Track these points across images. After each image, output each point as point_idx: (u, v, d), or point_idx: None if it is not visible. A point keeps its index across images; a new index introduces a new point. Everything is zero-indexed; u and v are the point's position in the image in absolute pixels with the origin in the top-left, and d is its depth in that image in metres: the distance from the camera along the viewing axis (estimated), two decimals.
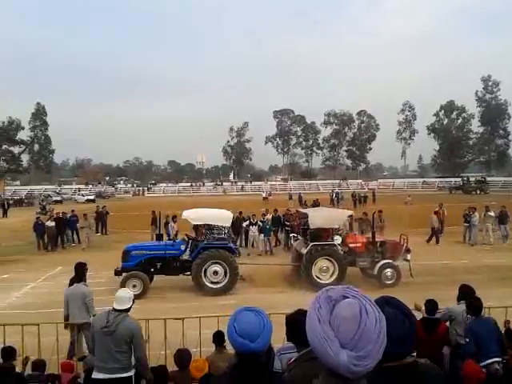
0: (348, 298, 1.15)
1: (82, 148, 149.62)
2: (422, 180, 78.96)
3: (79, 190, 66.56)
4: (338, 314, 1.12)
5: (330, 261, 11.43)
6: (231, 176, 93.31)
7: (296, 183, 77.93)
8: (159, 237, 13.59)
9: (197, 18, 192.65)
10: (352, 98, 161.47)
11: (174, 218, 17.96)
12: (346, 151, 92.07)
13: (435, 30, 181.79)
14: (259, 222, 17.65)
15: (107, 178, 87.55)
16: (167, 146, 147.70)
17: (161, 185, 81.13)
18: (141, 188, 75.24)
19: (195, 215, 12.11)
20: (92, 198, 54.85)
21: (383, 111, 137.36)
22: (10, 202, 42.46)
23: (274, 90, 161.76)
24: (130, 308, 4.57)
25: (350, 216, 13.46)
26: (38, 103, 79.53)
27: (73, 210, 21.14)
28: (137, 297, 5.73)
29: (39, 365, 4.83)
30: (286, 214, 18.92)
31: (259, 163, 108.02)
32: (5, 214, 35.57)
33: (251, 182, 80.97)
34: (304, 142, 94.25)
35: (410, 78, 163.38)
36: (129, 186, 78.57)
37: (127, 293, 4.76)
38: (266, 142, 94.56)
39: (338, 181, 76.51)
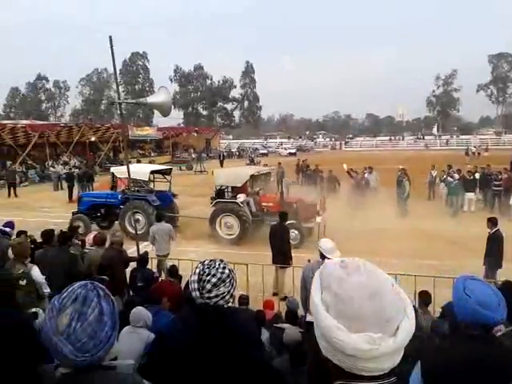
0: None
1: (286, 103, 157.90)
2: None
3: (282, 143, 71.12)
4: None
5: (234, 217, 12.07)
6: (434, 129, 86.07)
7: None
8: None
9: None
10: None
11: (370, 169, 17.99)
12: None
13: None
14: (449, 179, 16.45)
15: (307, 133, 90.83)
16: (366, 99, 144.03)
17: (358, 139, 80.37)
18: (338, 142, 75.99)
19: (119, 171, 13.82)
20: (293, 151, 58.00)
21: None
22: (224, 154, 48.04)
23: (488, 32, 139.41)
24: None
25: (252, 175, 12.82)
26: (247, 62, 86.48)
27: (279, 163, 22.99)
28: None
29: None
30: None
31: (468, 115, 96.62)
32: (221, 164, 40.68)
33: (458, 136, 73.37)
34: None
35: None
36: (327, 139, 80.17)
37: None
38: (478, 91, 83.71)
39: None
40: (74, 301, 1.24)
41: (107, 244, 7.02)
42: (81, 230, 12.02)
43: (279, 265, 7.98)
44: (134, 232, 11.87)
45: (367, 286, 0.90)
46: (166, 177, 14.82)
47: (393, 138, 77.15)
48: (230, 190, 12.91)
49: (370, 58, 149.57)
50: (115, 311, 1.30)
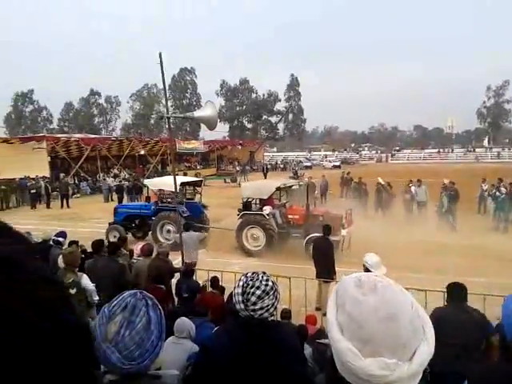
0: None
1: (330, 116, 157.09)
2: None
3: (326, 156, 70.64)
4: None
5: (259, 229, 12.15)
6: (485, 141, 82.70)
7: None
8: None
9: None
10: None
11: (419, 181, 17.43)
12: None
13: None
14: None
15: (352, 145, 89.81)
16: (413, 110, 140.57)
17: (405, 151, 78.52)
18: (384, 154, 74.54)
19: (151, 183, 14.83)
20: (338, 164, 57.44)
21: None
22: (268, 166, 48.22)
23: None
24: None
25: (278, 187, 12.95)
26: (292, 75, 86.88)
27: (323, 175, 22.88)
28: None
29: None
30: None
31: None
32: (265, 176, 40.83)
33: (509, 149, 70.00)
34: None
35: None
36: (373, 152, 78.85)
37: None
38: None
39: None
40: (124, 309, 1.28)
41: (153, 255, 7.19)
42: (116, 239, 12.66)
43: (322, 279, 7.87)
44: (164, 241, 12.12)
45: (383, 307, 0.85)
46: (197, 188, 15.18)
47: (442, 150, 74.93)
48: (257, 202, 13.00)
49: (417, 68, 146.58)
50: (162, 321, 1.33)
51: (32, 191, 23.30)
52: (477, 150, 72.54)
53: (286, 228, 12.53)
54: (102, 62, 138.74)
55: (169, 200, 14.08)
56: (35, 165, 26.24)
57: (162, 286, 5.87)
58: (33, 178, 24.62)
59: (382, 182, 17.74)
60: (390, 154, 74.55)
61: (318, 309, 7.75)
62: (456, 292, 4.41)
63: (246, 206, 12.96)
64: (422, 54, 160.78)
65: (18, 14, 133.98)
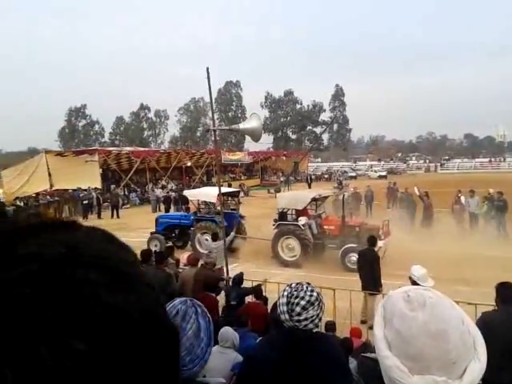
0: None
1: (377, 125, 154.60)
2: None
3: (371, 166, 69.35)
4: None
5: (295, 240, 12.12)
6: None
7: None
8: None
9: None
10: None
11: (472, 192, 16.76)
12: None
13: None
14: None
15: (399, 155, 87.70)
16: (464, 119, 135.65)
17: (455, 160, 75.75)
18: (433, 164, 72.25)
19: (190, 193, 15.29)
20: (384, 174, 56.24)
21: None
22: (313, 176, 47.95)
23: None
24: None
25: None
26: (337, 85, 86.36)
27: (368, 186, 22.50)
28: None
29: None
30: None
31: None
32: (309, 187, 40.61)
33: None
34: None
35: None
36: (421, 162, 76.64)
37: None
38: None
39: None
40: (175, 316, 1.33)
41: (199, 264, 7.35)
42: (157, 248, 12.74)
43: (368, 291, 7.73)
44: (202, 251, 12.19)
45: (432, 323, 0.84)
46: (235, 199, 15.44)
47: (493, 159, 71.69)
48: (293, 212, 12.95)
49: (468, 75, 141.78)
50: (211, 328, 1.37)
51: (84, 202, 24.29)
52: None
53: (321, 239, 12.47)
54: (152, 76, 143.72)
55: (208, 210, 14.44)
56: (87, 177, 27.39)
57: (213, 294, 5.98)
58: (85, 190, 25.70)
59: (418, 193, 17.34)
60: (438, 164, 72.16)
61: (363, 322, 7.61)
62: (506, 292, 4.07)
63: (282, 216, 13.00)
64: (472, 60, 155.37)
65: (70, 32, 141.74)
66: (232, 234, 11.33)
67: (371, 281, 7.87)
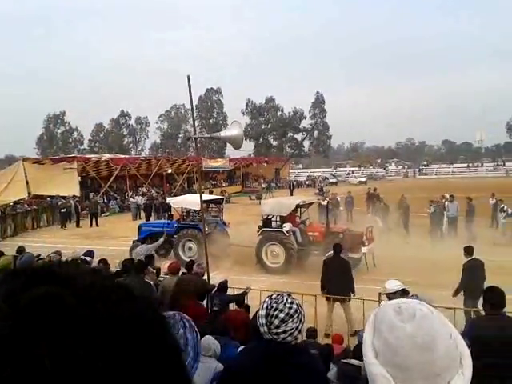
0: None
1: (357, 132, 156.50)
2: None
3: (352, 172, 70.09)
4: None
5: (279, 246, 12.13)
6: None
7: None
8: None
9: None
10: None
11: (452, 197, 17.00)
12: None
13: None
14: None
15: (379, 161, 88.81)
16: (442, 125, 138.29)
17: (433, 166, 77.12)
18: (412, 169, 73.44)
19: (174, 201, 15.39)
20: (364, 179, 56.85)
21: None
22: (294, 183, 48.12)
23: None
24: None
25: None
26: (317, 92, 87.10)
27: (349, 191, 22.78)
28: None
29: None
30: None
31: None
32: (291, 193, 40.77)
33: None
34: None
35: None
36: (400, 167, 77.79)
37: None
38: None
39: None
40: None
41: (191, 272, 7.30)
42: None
43: (337, 297, 7.57)
44: (186, 259, 12.07)
45: (419, 335, 0.85)
46: (219, 206, 15.38)
47: (471, 164, 73.27)
48: (277, 219, 12.99)
49: (446, 82, 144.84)
50: (198, 343, 1.34)
51: (62, 210, 23.90)
52: (507, 163, 70.58)
53: (305, 245, 12.50)
54: (132, 83, 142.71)
55: (191, 218, 14.38)
56: (66, 184, 26.92)
57: (202, 303, 5.95)
58: (63, 197, 25.26)
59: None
60: (417, 169, 73.39)
61: (326, 335, 7.25)
62: (494, 297, 3.97)
63: (266, 222, 12.99)
64: (447, 68, 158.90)
65: (51, 39, 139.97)
66: (161, 239, 11.78)
67: (341, 287, 7.63)
